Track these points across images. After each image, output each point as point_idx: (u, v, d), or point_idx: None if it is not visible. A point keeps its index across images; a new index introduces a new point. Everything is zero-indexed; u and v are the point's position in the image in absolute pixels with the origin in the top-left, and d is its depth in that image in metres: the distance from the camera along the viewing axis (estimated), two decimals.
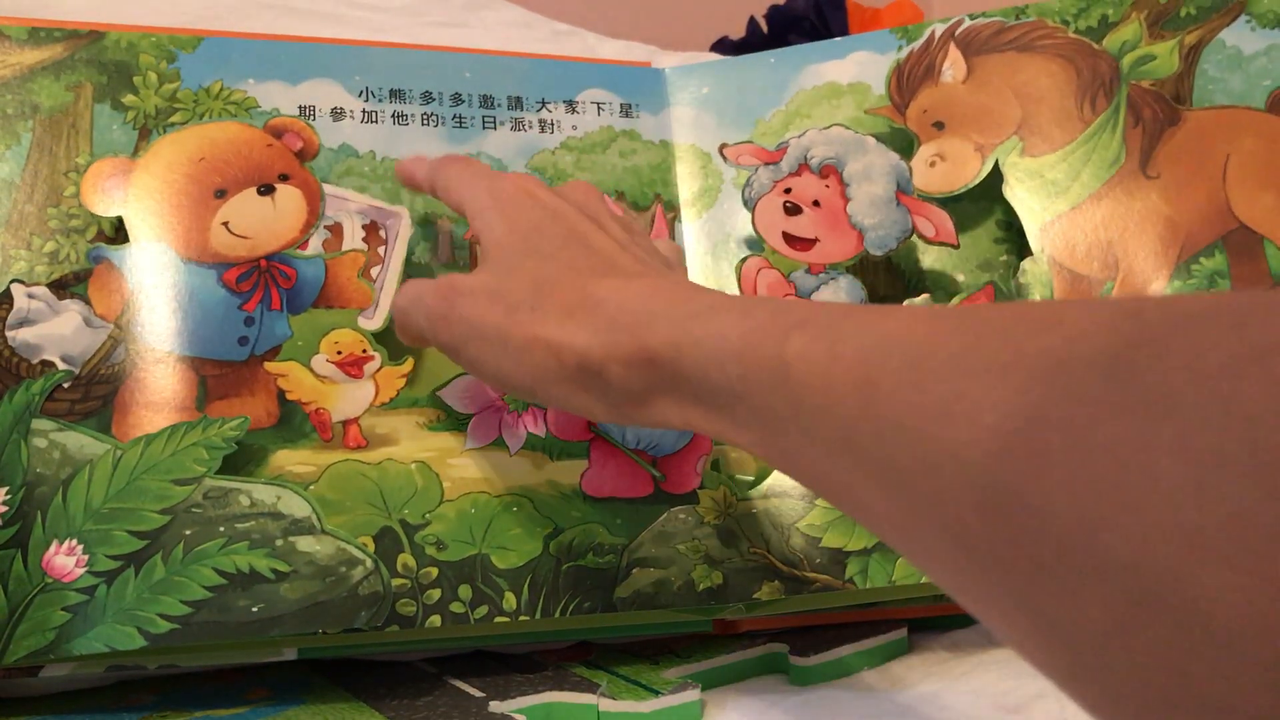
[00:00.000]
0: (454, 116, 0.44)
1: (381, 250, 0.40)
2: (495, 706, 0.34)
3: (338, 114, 0.42)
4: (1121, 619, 0.14)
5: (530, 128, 0.44)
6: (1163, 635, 0.14)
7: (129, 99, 0.40)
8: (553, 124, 0.45)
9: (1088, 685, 0.16)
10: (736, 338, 0.24)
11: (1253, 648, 0.13)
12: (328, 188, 0.41)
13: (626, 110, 0.46)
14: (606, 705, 0.34)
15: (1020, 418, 0.16)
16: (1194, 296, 0.16)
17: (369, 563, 0.34)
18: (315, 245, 0.39)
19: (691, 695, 0.34)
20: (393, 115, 0.43)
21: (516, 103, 0.45)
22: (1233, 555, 0.13)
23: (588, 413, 0.30)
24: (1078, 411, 0.15)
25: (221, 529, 0.34)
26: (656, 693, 0.34)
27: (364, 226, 0.40)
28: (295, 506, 0.35)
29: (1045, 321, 0.18)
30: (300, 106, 0.42)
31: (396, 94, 0.43)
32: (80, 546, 0.33)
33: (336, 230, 0.40)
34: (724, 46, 1.18)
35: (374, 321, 0.39)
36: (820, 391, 0.21)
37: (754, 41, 1.18)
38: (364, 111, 0.42)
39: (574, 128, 0.45)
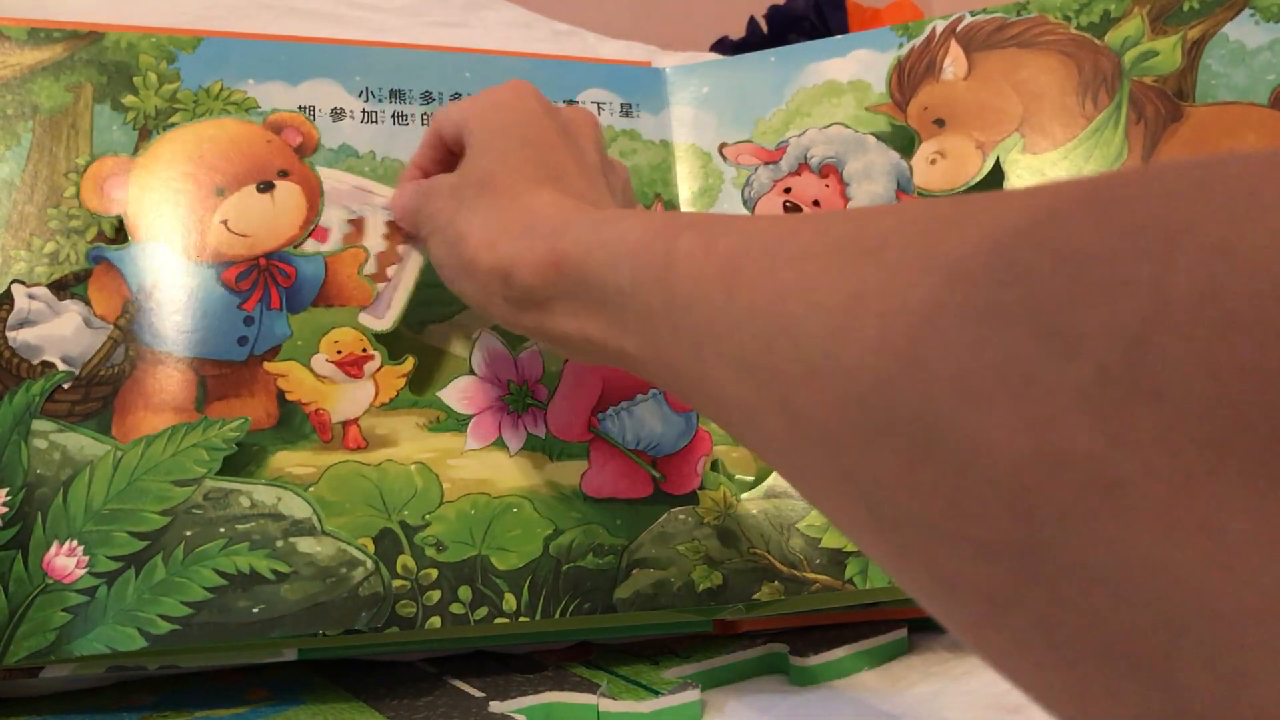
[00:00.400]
0: None
1: (401, 249, 0.39)
2: (495, 706, 0.34)
3: (338, 114, 0.42)
4: (908, 463, 0.16)
5: None
6: (939, 475, 0.15)
7: (129, 99, 0.40)
8: None
9: (883, 540, 0.17)
10: (634, 238, 0.26)
11: (1008, 479, 0.14)
12: (354, 179, 0.40)
13: (627, 110, 0.46)
14: (606, 705, 0.34)
15: (844, 293, 0.18)
16: (1010, 196, 0.17)
17: (369, 564, 0.34)
18: (335, 238, 0.39)
19: (691, 695, 0.34)
20: (393, 115, 0.43)
21: None
22: (997, 396, 0.14)
23: (493, 313, 0.32)
24: (891, 283, 0.17)
25: (222, 530, 0.34)
26: (656, 693, 0.34)
27: (387, 223, 0.40)
28: (296, 507, 0.35)
29: (880, 213, 0.19)
30: (300, 107, 0.42)
31: (396, 94, 0.43)
32: (81, 547, 0.33)
33: (358, 224, 0.40)
34: (724, 46, 1.18)
35: (384, 322, 0.38)
36: (692, 283, 0.23)
37: (754, 41, 1.18)
38: (364, 112, 0.42)
39: None
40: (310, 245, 0.39)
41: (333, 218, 0.40)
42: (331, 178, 0.41)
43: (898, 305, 0.16)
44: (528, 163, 0.33)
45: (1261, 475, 0.12)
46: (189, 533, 0.33)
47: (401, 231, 0.40)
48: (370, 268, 0.39)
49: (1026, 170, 0.43)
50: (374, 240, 0.40)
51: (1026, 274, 0.14)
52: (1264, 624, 0.12)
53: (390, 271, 0.39)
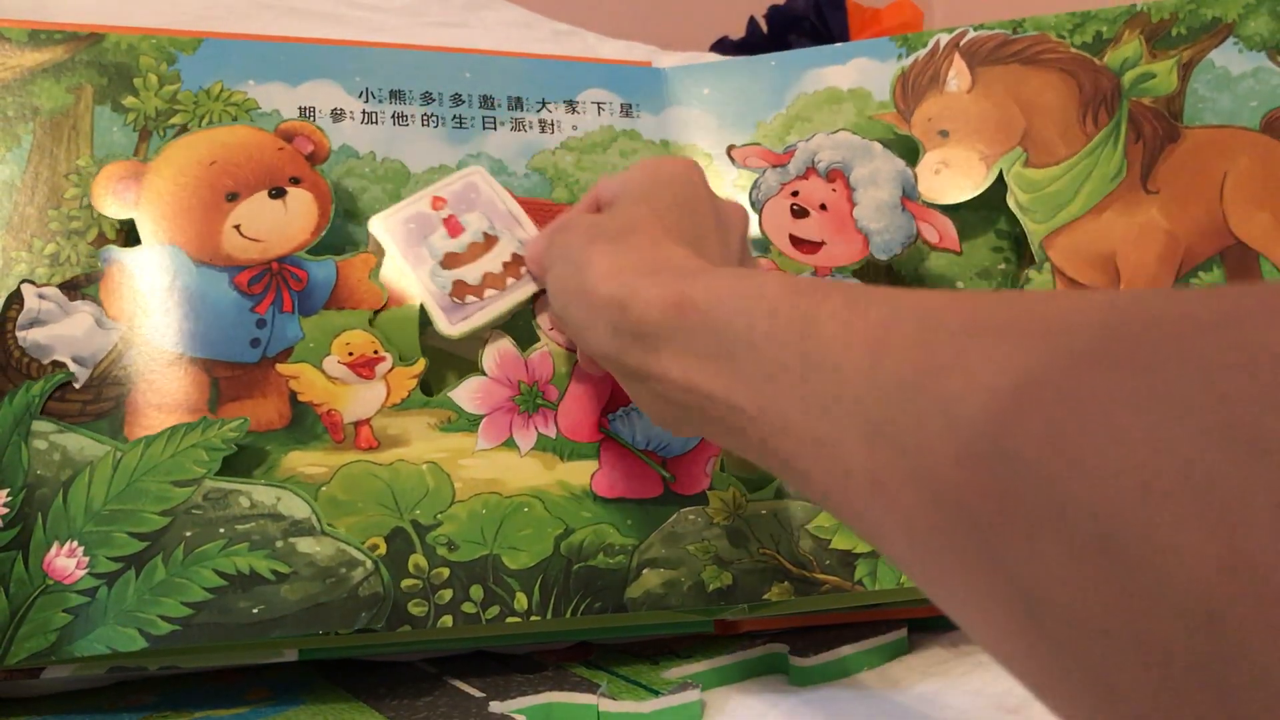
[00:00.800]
0: (454, 117, 0.44)
1: (510, 281, 0.40)
2: (495, 706, 0.34)
3: (338, 115, 0.42)
4: (1076, 558, 0.15)
5: (530, 128, 0.44)
6: (1111, 575, 0.14)
7: (129, 101, 0.40)
8: (553, 124, 0.45)
9: (1036, 637, 0.16)
10: (775, 294, 0.25)
11: (1189, 585, 0.13)
12: (516, 206, 0.41)
13: (627, 110, 0.46)
14: (606, 705, 0.34)
15: (1012, 374, 0.17)
16: (1195, 294, 0.16)
17: (369, 564, 0.34)
18: (465, 239, 0.40)
19: (691, 695, 0.34)
20: (393, 116, 0.43)
21: (517, 103, 0.45)
22: (1181, 497, 0.13)
23: (595, 343, 0.31)
24: (1065, 368, 0.16)
25: (222, 530, 0.34)
26: (656, 693, 0.34)
27: (514, 254, 0.40)
28: (295, 508, 0.35)
29: (1050, 296, 0.19)
30: (300, 107, 0.42)
31: (396, 94, 0.43)
32: (81, 548, 0.33)
33: (490, 242, 0.40)
34: (724, 46, 1.18)
35: (454, 330, 0.38)
36: (835, 346, 0.22)
37: (754, 41, 1.18)
38: (364, 112, 0.42)
39: (574, 128, 0.45)
40: (440, 235, 0.40)
41: (475, 224, 0.40)
42: (497, 193, 0.41)
43: (1073, 395, 0.16)
44: (673, 222, 0.33)
45: None
46: (189, 533, 0.33)
47: (520, 264, 0.40)
48: (473, 279, 0.39)
49: (1028, 184, 0.44)
50: (493, 261, 0.40)
51: (1212, 372, 0.14)
52: None
53: (488, 294, 0.39)
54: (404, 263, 0.39)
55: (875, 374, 0.21)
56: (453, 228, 0.40)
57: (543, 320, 0.40)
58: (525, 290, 0.40)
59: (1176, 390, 0.14)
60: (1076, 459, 0.15)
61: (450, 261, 0.39)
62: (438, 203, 0.40)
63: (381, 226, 0.40)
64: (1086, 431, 0.15)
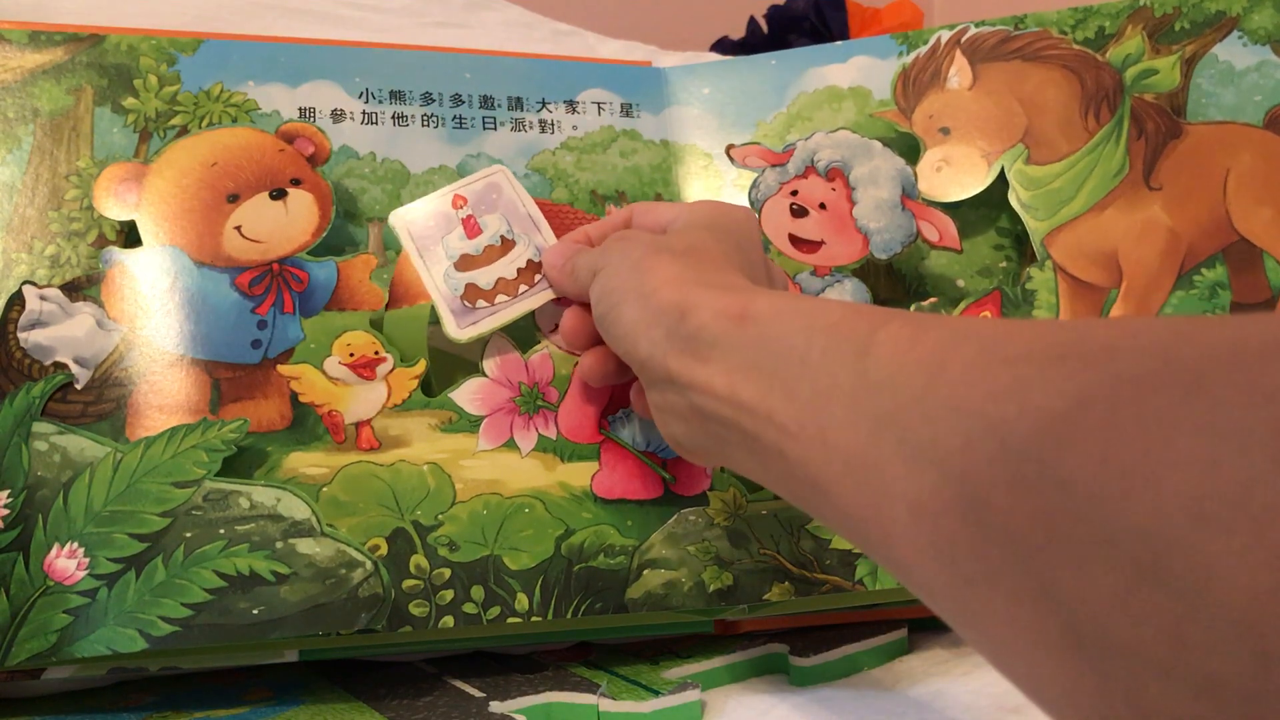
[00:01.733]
0: (454, 117, 0.44)
1: (523, 288, 0.39)
2: (495, 706, 0.34)
3: (338, 115, 0.42)
4: (1127, 585, 0.15)
5: (531, 128, 0.44)
6: (1164, 602, 0.14)
7: (129, 102, 0.40)
8: (553, 124, 0.45)
9: (1082, 669, 0.16)
10: (836, 315, 0.25)
11: (1245, 614, 0.13)
12: (535, 210, 0.41)
13: (627, 110, 0.46)
14: (606, 705, 0.34)
15: (1067, 398, 0.17)
16: (1252, 320, 0.16)
17: (369, 565, 0.34)
18: (483, 240, 0.39)
19: (691, 695, 0.34)
20: (393, 116, 0.43)
21: (517, 103, 0.45)
22: (1236, 523, 0.13)
23: (643, 345, 0.31)
24: (1119, 392, 0.16)
25: (222, 531, 0.34)
26: (656, 693, 0.34)
27: (530, 260, 0.40)
28: (295, 509, 0.35)
29: (1108, 323, 0.19)
30: (300, 108, 0.42)
31: (396, 95, 0.43)
32: (81, 549, 0.33)
33: (508, 245, 0.40)
34: (724, 46, 1.18)
35: (462, 333, 0.38)
36: (891, 367, 0.22)
37: (754, 41, 1.18)
38: (364, 113, 0.42)
39: (575, 128, 0.45)
40: (457, 235, 0.39)
41: (494, 226, 0.40)
42: (519, 195, 0.41)
43: (1127, 418, 0.16)
44: (738, 259, 0.33)
45: None
46: (189, 534, 0.33)
47: (534, 271, 0.40)
48: (485, 283, 0.39)
49: (1030, 181, 0.44)
50: (508, 266, 0.40)
51: (1271, 399, 0.14)
52: None
53: (499, 300, 0.39)
54: (419, 260, 0.39)
55: (929, 397, 0.20)
56: (471, 229, 0.40)
57: (544, 326, 0.40)
58: (537, 298, 0.39)
59: (1234, 416, 0.14)
60: (1130, 483, 0.15)
61: (464, 264, 0.39)
62: (458, 201, 0.40)
63: (400, 221, 0.40)
64: (1140, 455, 0.15)
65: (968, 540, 0.18)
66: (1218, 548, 0.13)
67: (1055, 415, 0.17)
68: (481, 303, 0.39)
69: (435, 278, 0.39)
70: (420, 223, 0.40)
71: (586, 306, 0.36)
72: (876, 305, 0.30)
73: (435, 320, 0.39)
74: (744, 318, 0.27)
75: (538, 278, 0.40)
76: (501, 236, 0.40)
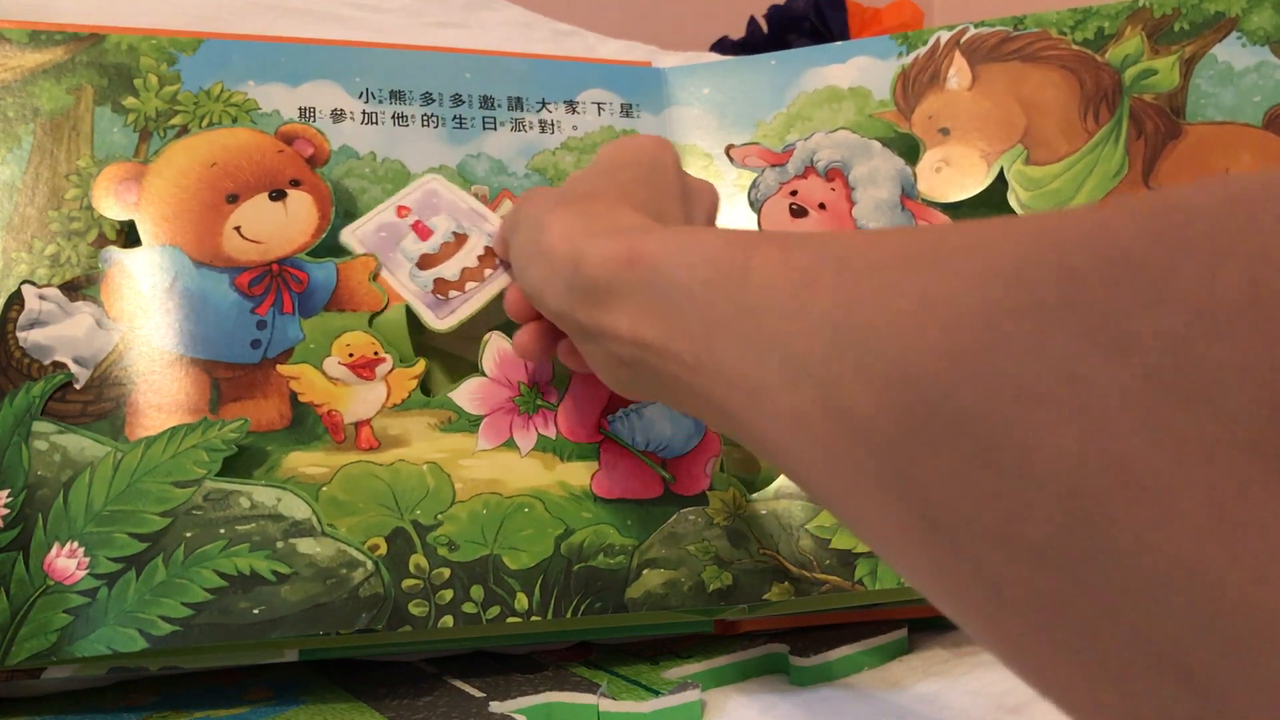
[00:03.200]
0: (454, 117, 0.44)
1: (488, 272, 0.41)
2: (495, 706, 0.34)
3: (338, 115, 0.42)
4: (968, 467, 0.16)
5: (531, 128, 0.44)
6: (996, 479, 0.15)
7: (129, 101, 0.40)
8: (553, 124, 0.45)
9: (936, 549, 0.17)
10: (713, 246, 0.26)
11: (1063, 484, 0.14)
12: (474, 202, 0.42)
13: (627, 110, 0.46)
14: (606, 705, 0.34)
15: (913, 299, 0.18)
16: (1081, 209, 0.17)
17: (369, 565, 0.34)
18: (435, 241, 0.40)
19: (691, 695, 0.34)
20: (393, 116, 0.43)
21: (517, 103, 0.45)
22: (1055, 399, 0.14)
23: (551, 301, 0.32)
24: (955, 288, 0.17)
25: (222, 531, 0.34)
26: (656, 693, 0.34)
27: (486, 247, 0.41)
28: (296, 508, 0.35)
29: (961, 226, 0.19)
30: (300, 108, 0.42)
31: (396, 95, 0.43)
32: (81, 549, 0.33)
33: (461, 240, 0.41)
34: (724, 46, 1.18)
35: (443, 323, 0.39)
36: (765, 291, 0.23)
37: (754, 41, 1.18)
38: (364, 113, 0.42)
39: (575, 128, 0.45)
40: (410, 240, 0.40)
41: (442, 225, 0.41)
42: (454, 194, 0.42)
43: (963, 310, 0.17)
44: (636, 193, 0.34)
45: None
46: (189, 534, 0.33)
47: (495, 257, 0.41)
48: (451, 274, 0.40)
49: (1029, 182, 0.44)
50: (468, 256, 0.41)
51: (1082, 279, 0.15)
52: None
53: (469, 286, 0.40)
54: (383, 268, 0.40)
55: (800, 314, 0.21)
56: (422, 232, 0.40)
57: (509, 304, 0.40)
58: (506, 279, 0.40)
59: (1050, 302, 0.15)
60: (966, 372, 0.16)
61: (426, 262, 0.40)
62: (402, 210, 0.41)
63: (354, 237, 0.40)
64: (974, 345, 0.16)
65: (842, 445, 0.19)
66: (1037, 423, 0.14)
67: (904, 314, 0.18)
68: (454, 293, 0.40)
69: (402, 278, 0.40)
70: (372, 235, 0.40)
71: None
72: (757, 231, 0.30)
73: (420, 325, 0.39)
74: (631, 260, 0.28)
75: (498, 260, 0.41)
76: (453, 233, 0.41)
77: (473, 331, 0.40)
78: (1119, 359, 0.14)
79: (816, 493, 0.22)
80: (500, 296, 0.40)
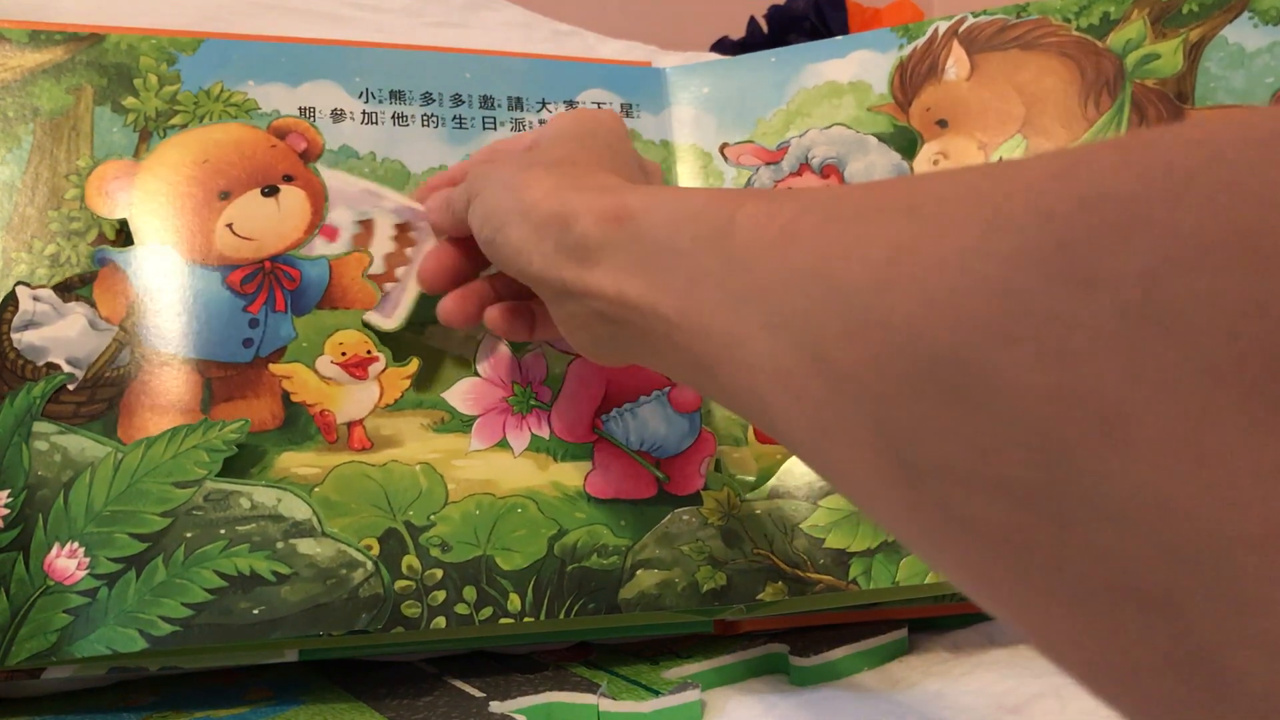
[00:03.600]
0: (454, 117, 0.44)
1: (409, 251, 0.40)
2: (495, 706, 0.34)
3: (338, 115, 0.42)
4: (937, 407, 0.16)
5: (531, 128, 0.44)
6: (964, 415, 0.16)
7: (129, 101, 0.40)
8: None
9: (912, 494, 0.18)
10: (700, 202, 0.26)
11: (1027, 416, 0.14)
12: (363, 183, 0.41)
13: (627, 110, 0.46)
14: (606, 705, 0.34)
15: (886, 246, 0.18)
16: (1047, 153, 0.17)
17: (369, 565, 0.34)
18: (344, 238, 0.39)
19: (691, 695, 0.34)
20: (393, 116, 0.43)
21: (517, 103, 0.45)
22: (1020, 334, 0.15)
23: (533, 263, 0.31)
24: (923, 234, 0.17)
25: (222, 531, 0.34)
26: (656, 693, 0.34)
27: (396, 226, 0.40)
28: (296, 509, 0.35)
29: (938, 174, 0.19)
30: (300, 108, 0.42)
31: (396, 95, 0.43)
32: (81, 549, 0.33)
33: (368, 226, 0.40)
34: (724, 46, 1.18)
35: (391, 321, 0.39)
36: (750, 246, 0.23)
37: (754, 41, 1.18)
38: (364, 112, 0.42)
39: None
40: (319, 244, 0.39)
41: (342, 219, 0.40)
42: (338, 179, 0.41)
43: (937, 255, 0.17)
44: (609, 160, 0.34)
45: (1260, 405, 0.12)
46: (189, 534, 0.33)
47: (408, 232, 0.40)
48: (377, 268, 0.39)
49: None
50: (382, 242, 0.40)
51: (1053, 218, 0.15)
52: (1265, 553, 0.12)
53: (399, 273, 0.39)
54: None
55: (782, 268, 0.21)
56: (328, 233, 0.39)
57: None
58: (427, 247, 0.40)
59: (1010, 241, 0.15)
60: (937, 314, 0.16)
61: None
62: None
63: None
64: (945, 290, 0.16)
65: (821, 394, 0.20)
66: (1008, 361, 0.15)
67: (877, 262, 0.18)
68: (389, 285, 0.39)
69: None
70: None
71: (453, 244, 0.38)
72: (743, 188, 0.30)
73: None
74: (620, 218, 0.28)
75: (413, 234, 0.40)
76: (358, 222, 0.40)
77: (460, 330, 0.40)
78: (1092, 295, 0.14)
79: (794, 443, 0.22)
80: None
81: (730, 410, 0.28)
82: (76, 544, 0.33)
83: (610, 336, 0.29)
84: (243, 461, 0.35)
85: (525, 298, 0.37)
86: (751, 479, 0.40)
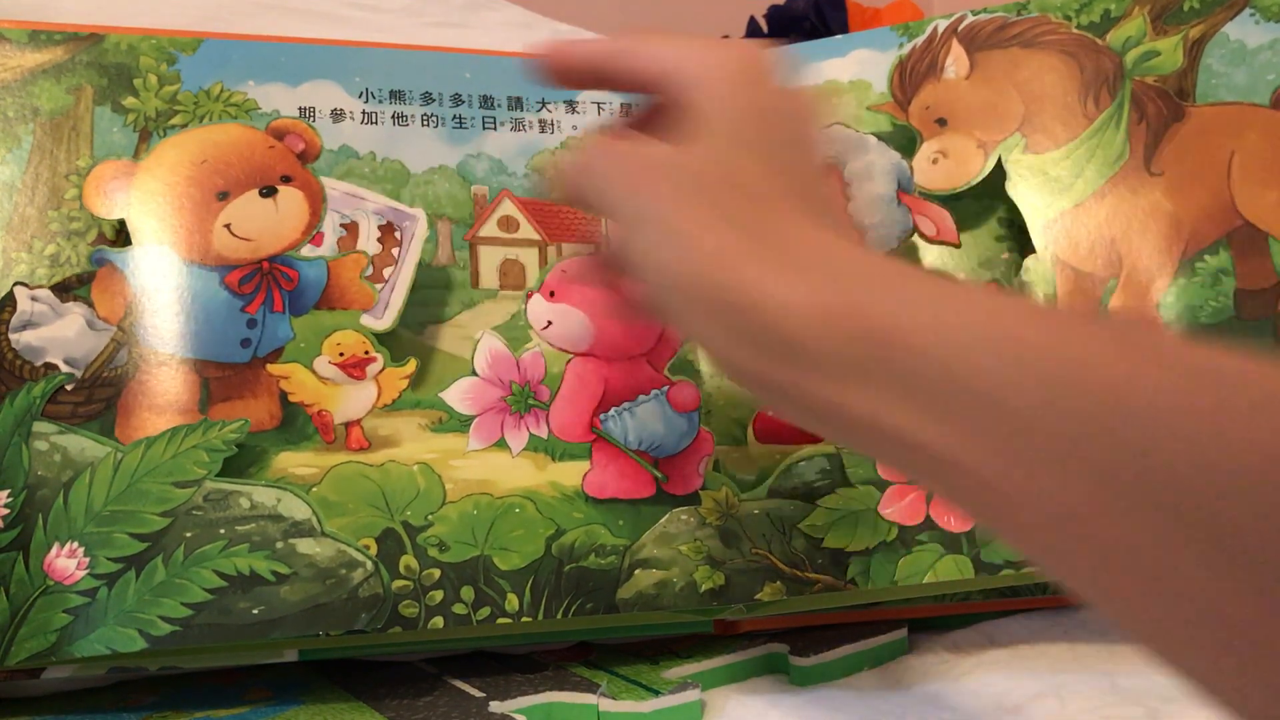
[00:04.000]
0: (454, 117, 0.44)
1: (396, 251, 0.40)
2: (495, 706, 0.34)
3: (338, 115, 0.42)
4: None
5: (530, 128, 0.44)
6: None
7: (129, 101, 0.40)
8: (553, 124, 0.45)
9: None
10: (1015, 326, 0.21)
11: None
12: (344, 186, 0.41)
13: (627, 110, 0.46)
14: (606, 705, 0.34)
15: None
16: None
17: (369, 565, 0.34)
18: (330, 243, 0.39)
19: (691, 695, 0.34)
20: (393, 116, 0.43)
21: (517, 103, 0.45)
22: None
23: (736, 362, 0.24)
24: None
25: (222, 531, 0.34)
26: (656, 693, 0.34)
27: (380, 227, 0.40)
28: (295, 509, 0.35)
29: None
30: (300, 108, 0.42)
31: (396, 95, 0.43)
32: (81, 549, 0.33)
33: (352, 229, 0.40)
34: None
35: (383, 322, 0.39)
36: (1145, 420, 0.18)
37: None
38: (364, 112, 0.42)
39: (574, 128, 0.45)
40: (308, 250, 0.39)
41: (326, 223, 0.40)
42: (325, 183, 0.41)
43: None
44: (788, 174, 0.26)
45: None
46: (189, 534, 0.33)
47: (392, 236, 0.40)
48: (367, 271, 0.40)
49: (1028, 170, 0.43)
50: (368, 244, 0.40)
51: None
52: None
53: (387, 273, 0.39)
54: None
55: (1193, 453, 0.18)
56: (315, 239, 0.39)
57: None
58: (413, 249, 0.40)
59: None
60: None
61: None
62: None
63: None
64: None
65: (1213, 589, 0.17)
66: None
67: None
68: (377, 286, 0.39)
69: None
70: None
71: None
72: (1064, 311, 0.26)
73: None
74: (872, 338, 0.22)
75: (397, 233, 0.40)
76: (341, 225, 0.40)
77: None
78: None
79: (1170, 647, 0.19)
80: (421, 268, 0.39)
81: (1007, 544, 0.23)
82: (76, 544, 0.33)
83: (829, 430, 0.25)
84: (241, 461, 0.35)
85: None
86: (750, 479, 0.40)
